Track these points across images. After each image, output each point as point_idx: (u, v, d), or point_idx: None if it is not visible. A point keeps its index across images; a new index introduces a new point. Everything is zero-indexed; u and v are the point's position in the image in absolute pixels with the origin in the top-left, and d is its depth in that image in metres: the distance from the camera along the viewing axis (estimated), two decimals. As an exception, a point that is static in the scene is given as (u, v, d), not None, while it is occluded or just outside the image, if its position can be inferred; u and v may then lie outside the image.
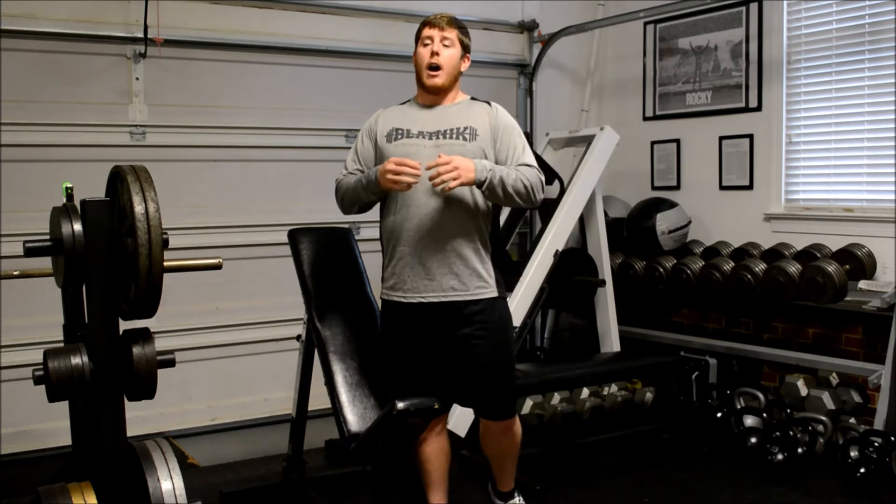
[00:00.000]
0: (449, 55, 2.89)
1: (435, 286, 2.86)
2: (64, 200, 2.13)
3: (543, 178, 2.92)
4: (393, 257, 2.92)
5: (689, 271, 4.61)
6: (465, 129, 2.88)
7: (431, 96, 2.95)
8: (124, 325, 2.11)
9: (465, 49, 2.96)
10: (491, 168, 2.78)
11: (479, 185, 2.77)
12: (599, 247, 4.62)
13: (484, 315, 2.90)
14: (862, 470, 3.63)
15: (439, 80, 2.89)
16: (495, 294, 2.93)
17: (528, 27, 5.25)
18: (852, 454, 3.77)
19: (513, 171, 2.82)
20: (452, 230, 2.84)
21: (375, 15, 4.65)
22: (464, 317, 2.89)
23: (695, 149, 5.03)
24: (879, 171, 4.23)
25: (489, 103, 2.99)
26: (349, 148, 3.12)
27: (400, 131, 2.92)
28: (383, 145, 2.93)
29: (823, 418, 4.04)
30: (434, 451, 3.11)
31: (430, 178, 2.70)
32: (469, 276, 2.87)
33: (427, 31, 2.92)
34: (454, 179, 2.68)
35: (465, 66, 2.97)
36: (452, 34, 2.91)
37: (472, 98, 3.02)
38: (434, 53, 2.88)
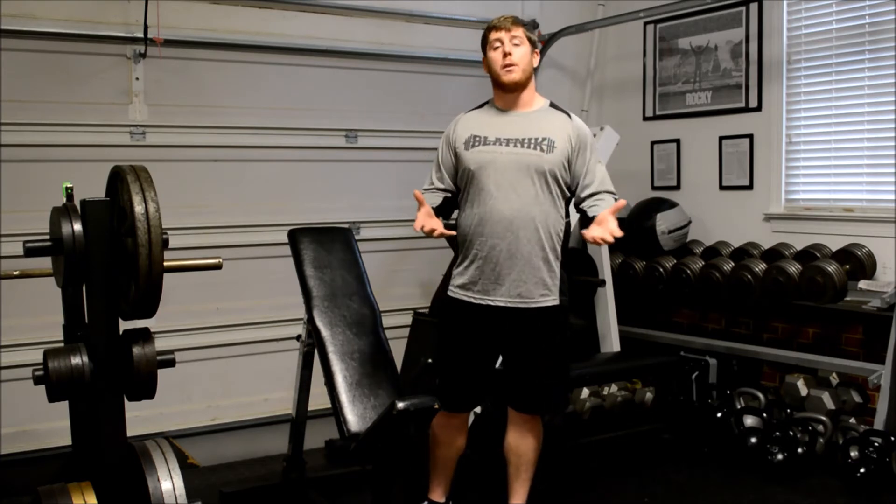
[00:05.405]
0: (521, 52, 2.96)
1: (503, 291, 2.96)
2: (64, 200, 2.12)
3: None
4: (466, 258, 3.02)
5: (689, 271, 4.61)
6: (544, 139, 2.94)
7: (510, 97, 3.00)
8: (124, 325, 2.11)
9: (534, 45, 3.03)
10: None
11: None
12: (599, 247, 4.62)
13: (543, 320, 3.01)
14: (862, 470, 3.63)
15: (516, 74, 2.95)
16: (556, 302, 3.02)
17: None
18: (852, 454, 3.77)
19: (606, 202, 2.95)
20: (525, 240, 2.92)
21: (375, 15, 4.64)
22: (525, 320, 2.99)
23: (695, 149, 5.03)
24: (879, 171, 4.23)
25: (569, 115, 3.05)
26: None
27: (478, 138, 2.98)
28: (461, 153, 3.00)
29: (823, 418, 4.04)
30: (452, 439, 3.17)
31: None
32: (535, 285, 2.97)
33: (495, 35, 2.98)
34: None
35: (536, 61, 3.04)
36: (520, 32, 2.98)
37: (552, 105, 3.07)
38: (507, 54, 2.94)
